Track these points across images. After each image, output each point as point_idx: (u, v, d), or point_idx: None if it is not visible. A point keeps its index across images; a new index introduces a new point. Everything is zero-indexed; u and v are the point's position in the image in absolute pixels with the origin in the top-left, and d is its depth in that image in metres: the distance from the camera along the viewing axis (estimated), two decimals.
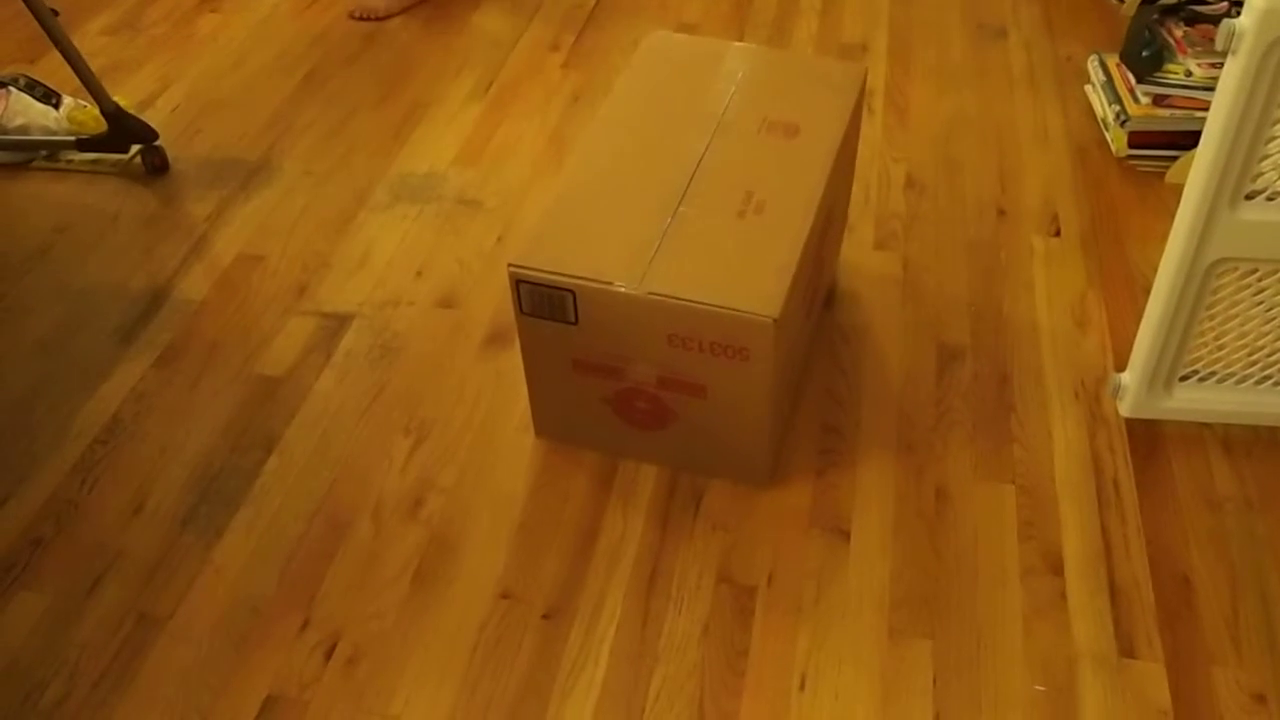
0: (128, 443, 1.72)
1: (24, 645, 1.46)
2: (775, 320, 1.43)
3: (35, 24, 2.07)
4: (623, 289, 1.48)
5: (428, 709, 1.39)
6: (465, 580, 1.53)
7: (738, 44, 1.89)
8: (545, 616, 1.49)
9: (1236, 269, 1.57)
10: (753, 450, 1.60)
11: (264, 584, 1.53)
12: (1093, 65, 2.40)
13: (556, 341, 1.57)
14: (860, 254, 2.03)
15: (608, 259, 1.51)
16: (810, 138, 1.70)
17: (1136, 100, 2.22)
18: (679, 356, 1.51)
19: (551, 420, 1.70)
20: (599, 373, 1.58)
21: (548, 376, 1.63)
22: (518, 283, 1.52)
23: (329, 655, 1.45)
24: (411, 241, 2.09)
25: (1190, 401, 1.70)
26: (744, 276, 1.48)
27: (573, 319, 1.53)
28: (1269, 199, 1.48)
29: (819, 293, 1.81)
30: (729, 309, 1.44)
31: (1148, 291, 1.65)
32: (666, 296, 1.46)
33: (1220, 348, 1.66)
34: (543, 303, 1.53)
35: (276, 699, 1.40)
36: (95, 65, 2.54)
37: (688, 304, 1.45)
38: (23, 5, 2.04)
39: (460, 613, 1.49)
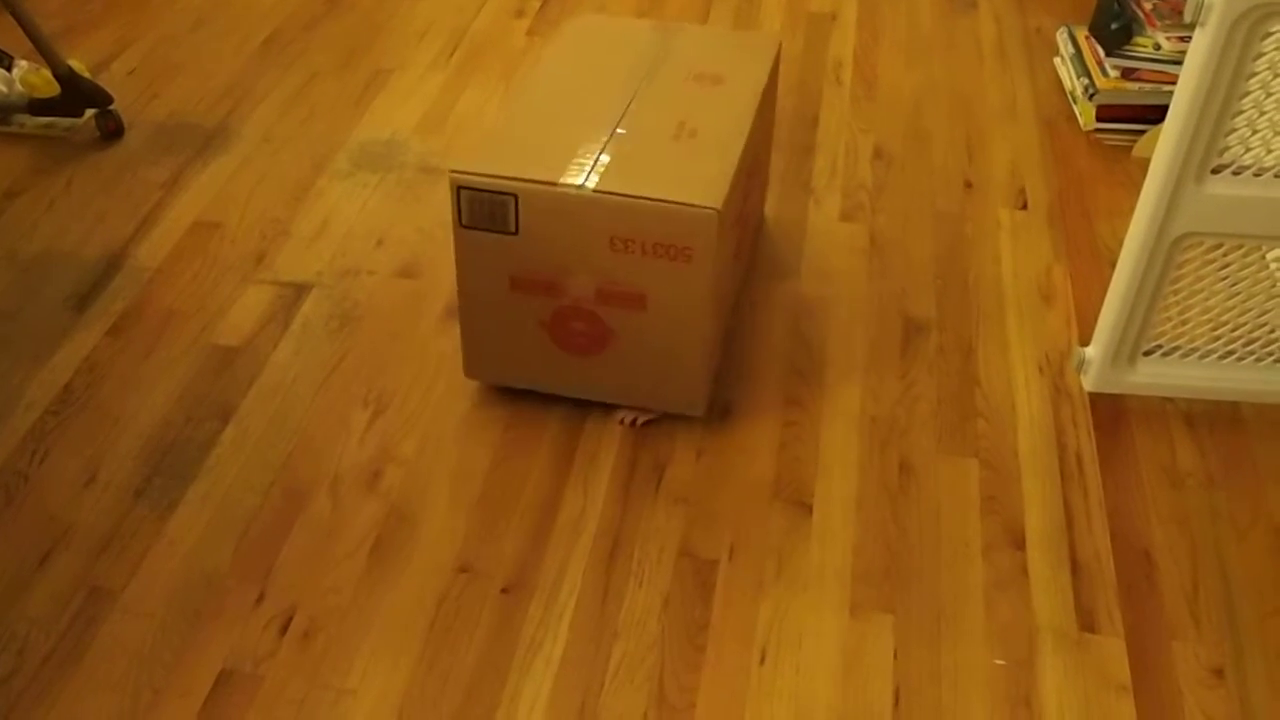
0: (80, 413, 1.69)
1: None
2: (718, 211, 1.46)
3: None
4: (567, 188, 1.50)
5: (384, 683, 1.38)
6: (423, 554, 1.51)
7: (659, 23, 1.94)
8: (504, 591, 1.47)
9: (1201, 243, 1.56)
10: (690, 375, 1.62)
11: (219, 557, 1.51)
12: (1062, 38, 2.39)
13: (495, 256, 1.58)
14: (827, 225, 2.02)
15: (551, 164, 1.54)
16: (734, 86, 1.76)
17: (1105, 73, 2.21)
18: (620, 262, 1.53)
19: (483, 357, 1.69)
20: (537, 289, 1.59)
21: (483, 300, 1.63)
22: (459, 189, 1.52)
23: (284, 629, 1.43)
24: (372, 210, 2.06)
25: (1154, 376, 1.70)
26: (686, 178, 1.53)
27: (513, 228, 1.54)
28: (1235, 173, 1.47)
29: (746, 241, 1.85)
30: (673, 202, 1.48)
31: (1113, 265, 1.64)
32: (611, 193, 1.50)
33: (1184, 323, 1.66)
34: (483, 212, 1.53)
35: (231, 673, 1.38)
36: (50, 27, 2.49)
37: (632, 200, 1.49)
38: None
39: (418, 586, 1.48)
